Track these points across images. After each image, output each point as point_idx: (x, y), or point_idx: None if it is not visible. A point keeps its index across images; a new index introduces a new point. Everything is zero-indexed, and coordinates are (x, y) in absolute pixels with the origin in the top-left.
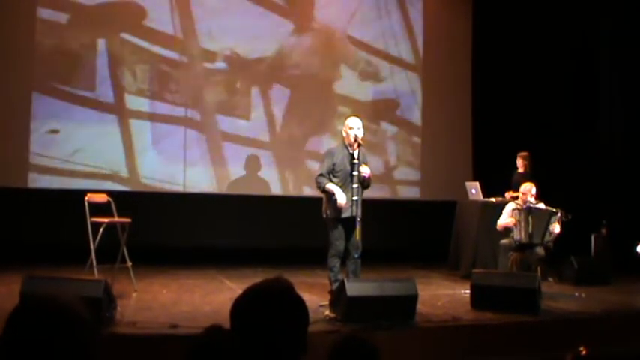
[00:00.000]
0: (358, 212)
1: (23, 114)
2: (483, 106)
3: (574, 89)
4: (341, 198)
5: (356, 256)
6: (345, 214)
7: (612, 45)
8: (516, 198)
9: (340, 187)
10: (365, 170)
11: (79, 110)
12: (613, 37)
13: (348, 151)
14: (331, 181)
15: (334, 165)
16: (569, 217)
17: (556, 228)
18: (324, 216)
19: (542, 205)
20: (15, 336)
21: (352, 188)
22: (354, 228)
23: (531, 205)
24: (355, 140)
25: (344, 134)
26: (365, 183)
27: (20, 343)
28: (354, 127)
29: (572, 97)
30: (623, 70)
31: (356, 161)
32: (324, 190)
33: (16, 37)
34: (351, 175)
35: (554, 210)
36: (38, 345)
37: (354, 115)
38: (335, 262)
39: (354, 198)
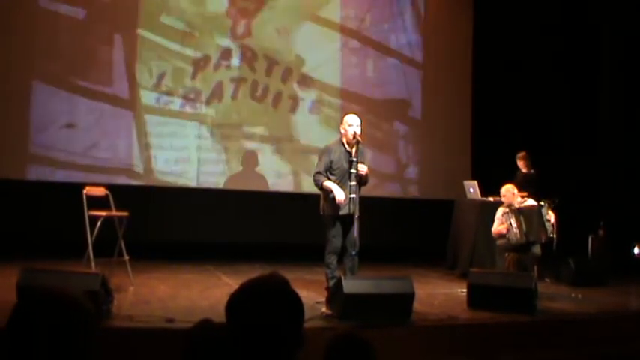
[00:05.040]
0: (356, 210)
1: (24, 105)
2: (483, 105)
3: (574, 91)
4: (339, 195)
5: (353, 253)
6: (343, 212)
7: (613, 44)
8: (521, 197)
9: (338, 184)
10: (362, 168)
11: (94, 105)
12: (614, 36)
13: (346, 148)
14: (329, 178)
15: (332, 162)
16: (557, 201)
17: (551, 218)
18: (322, 213)
19: (531, 202)
20: (21, 327)
21: (350, 186)
22: (351, 225)
23: (519, 205)
24: (354, 137)
25: (342, 131)
26: (362, 180)
27: (26, 335)
28: (353, 124)
29: (572, 98)
30: (623, 70)
31: (354, 159)
32: (321, 188)
33: (21, 31)
34: (349, 173)
35: (540, 204)
36: (45, 336)
37: (352, 113)
38: (332, 260)
39: (352, 196)
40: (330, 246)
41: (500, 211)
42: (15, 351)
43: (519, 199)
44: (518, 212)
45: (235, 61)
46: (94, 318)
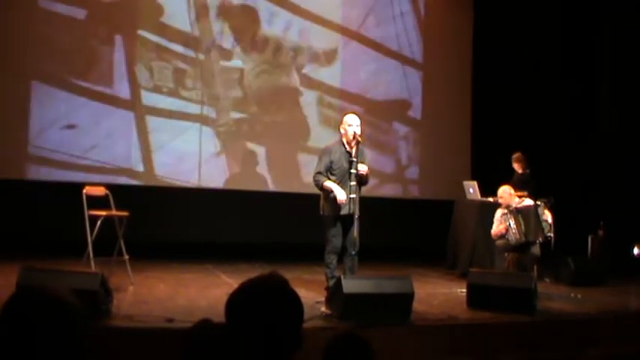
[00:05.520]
0: (356, 209)
1: (24, 105)
2: (483, 105)
3: (574, 90)
4: (340, 194)
5: (353, 253)
6: (343, 211)
7: (613, 44)
8: (519, 197)
9: (338, 184)
10: (362, 167)
11: (94, 105)
12: (613, 36)
13: (346, 148)
14: (329, 178)
15: (332, 162)
16: (552, 200)
17: (548, 217)
18: (321, 213)
19: (528, 201)
20: (7, 326)
21: (350, 186)
22: (351, 225)
23: (517, 206)
24: (354, 137)
25: (342, 131)
26: (363, 180)
27: (13, 333)
28: (353, 124)
29: (572, 99)
30: (624, 69)
31: (354, 159)
32: (321, 188)
33: (20, 31)
34: (349, 173)
35: (537, 203)
36: (30, 334)
37: (352, 112)
38: (332, 259)
39: (352, 195)
40: (329, 246)
41: (498, 212)
42: (3, 350)
43: (517, 200)
44: (517, 212)
45: (235, 54)
46: (82, 316)
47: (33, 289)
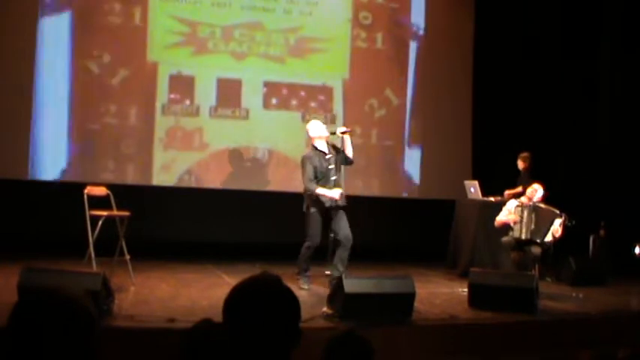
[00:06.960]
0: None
1: (25, 104)
2: (483, 104)
3: (574, 90)
4: (333, 194)
5: (347, 245)
6: (327, 204)
7: (613, 45)
8: (517, 195)
9: (323, 186)
10: (341, 129)
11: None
12: (614, 36)
13: (321, 151)
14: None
15: (315, 168)
16: (573, 223)
17: (558, 231)
18: (305, 210)
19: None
20: (21, 327)
21: (331, 181)
22: (335, 216)
23: (537, 203)
24: (342, 133)
25: (317, 137)
26: (348, 160)
27: (26, 335)
28: (323, 128)
29: (572, 97)
30: (623, 70)
31: (329, 155)
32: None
33: (22, 34)
34: (329, 170)
35: (558, 212)
36: (45, 336)
37: (313, 119)
38: (308, 253)
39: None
40: (310, 241)
41: (513, 202)
42: (14, 351)
43: (535, 199)
44: (533, 208)
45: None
46: (94, 318)
47: (46, 290)
